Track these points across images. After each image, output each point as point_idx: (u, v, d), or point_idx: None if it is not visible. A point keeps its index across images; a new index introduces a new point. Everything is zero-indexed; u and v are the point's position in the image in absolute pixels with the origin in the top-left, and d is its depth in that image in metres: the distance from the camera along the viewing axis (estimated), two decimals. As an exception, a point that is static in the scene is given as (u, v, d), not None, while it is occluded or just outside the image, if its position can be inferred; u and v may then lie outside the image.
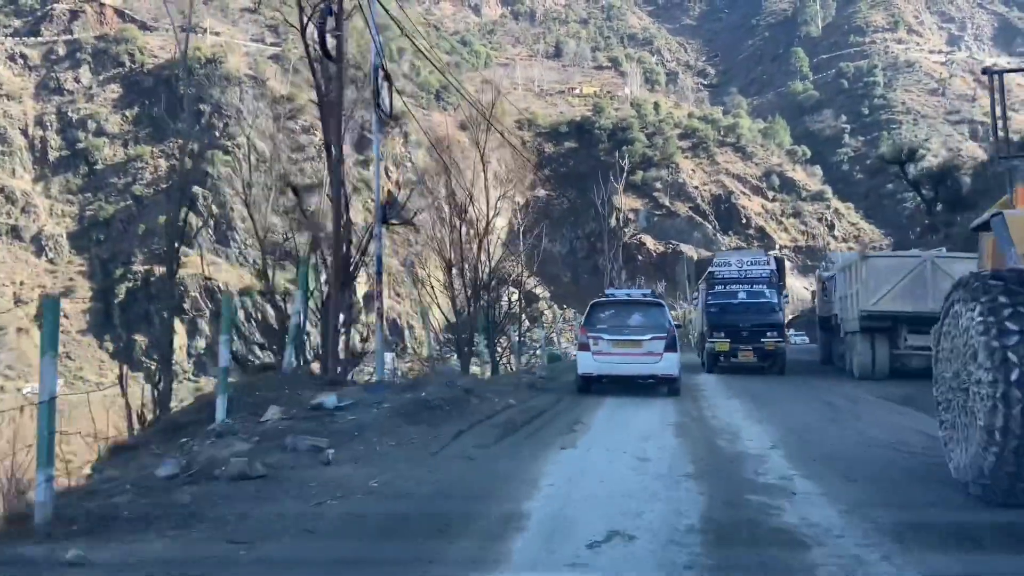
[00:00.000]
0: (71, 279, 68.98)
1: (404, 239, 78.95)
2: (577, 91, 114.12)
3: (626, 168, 31.94)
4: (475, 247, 22.68)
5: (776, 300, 20.60)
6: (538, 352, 29.76)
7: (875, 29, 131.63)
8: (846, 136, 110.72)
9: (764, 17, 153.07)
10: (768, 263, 21.39)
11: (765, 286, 20.48)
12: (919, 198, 37.31)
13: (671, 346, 13.25)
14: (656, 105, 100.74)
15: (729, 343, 19.86)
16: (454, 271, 22.32)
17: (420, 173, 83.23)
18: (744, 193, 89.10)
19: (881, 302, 16.85)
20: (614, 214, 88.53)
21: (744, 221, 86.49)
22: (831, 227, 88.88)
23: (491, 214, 24.97)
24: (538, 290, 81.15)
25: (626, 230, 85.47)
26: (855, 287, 18.04)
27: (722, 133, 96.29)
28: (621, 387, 13.83)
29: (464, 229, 24.47)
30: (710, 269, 22.24)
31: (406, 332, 71.87)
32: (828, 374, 20.53)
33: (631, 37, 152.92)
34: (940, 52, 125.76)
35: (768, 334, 19.67)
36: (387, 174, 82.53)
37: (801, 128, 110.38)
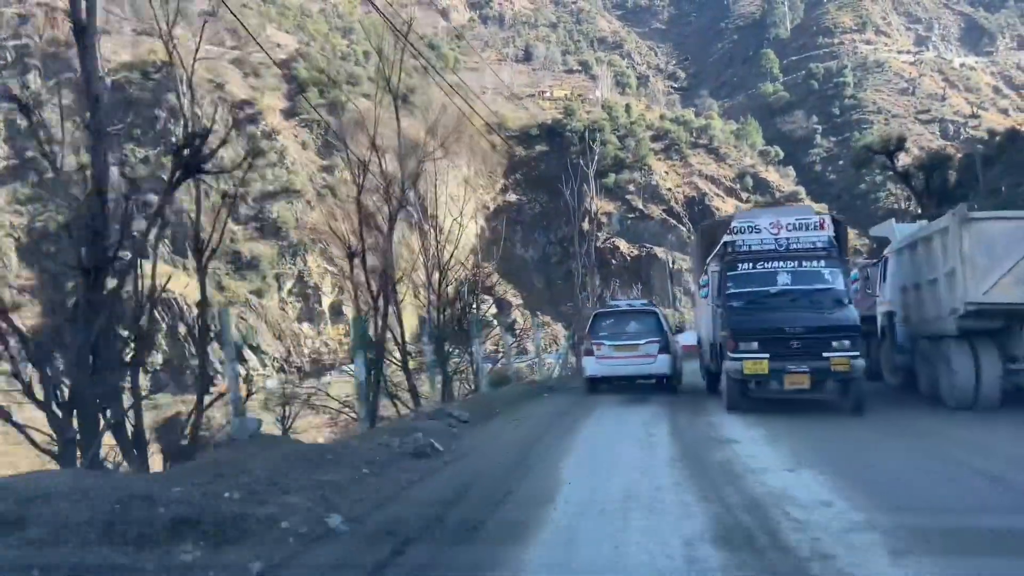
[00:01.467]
0: (21, 293, 65.62)
1: (373, 245, 76.32)
2: (548, 94, 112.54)
3: (595, 161, 27.99)
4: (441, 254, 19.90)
5: (843, 285, 12.58)
6: (499, 363, 23.69)
7: (843, 30, 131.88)
8: (818, 136, 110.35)
9: (732, 20, 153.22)
10: (822, 225, 13.03)
11: (823, 262, 12.52)
12: (908, 190, 35.92)
13: (664, 348, 15.60)
14: (627, 107, 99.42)
15: (768, 361, 11.65)
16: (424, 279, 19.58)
17: (388, 179, 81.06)
18: (718, 195, 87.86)
19: (995, 290, 11.11)
20: (586, 217, 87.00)
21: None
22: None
23: (462, 218, 22.38)
24: (510, 296, 79.16)
25: (599, 234, 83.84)
26: (945, 268, 12.00)
27: (694, 135, 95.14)
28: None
29: (433, 235, 21.96)
30: (726, 239, 13.16)
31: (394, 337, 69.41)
32: (895, 400, 13.90)
33: (601, 41, 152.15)
34: (908, 52, 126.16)
35: (835, 344, 11.57)
36: (355, 180, 79.96)
37: (773, 130, 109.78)
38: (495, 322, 75.23)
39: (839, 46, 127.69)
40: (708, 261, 14.62)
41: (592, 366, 15.86)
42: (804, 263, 12.59)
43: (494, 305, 77.90)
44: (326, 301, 66.49)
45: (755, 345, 11.80)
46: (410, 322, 22.59)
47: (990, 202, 29.33)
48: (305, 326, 65.06)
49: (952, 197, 28.41)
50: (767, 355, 11.69)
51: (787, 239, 12.86)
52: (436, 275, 18.96)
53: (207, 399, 8.71)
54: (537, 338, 21.07)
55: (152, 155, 66.47)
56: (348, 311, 69.33)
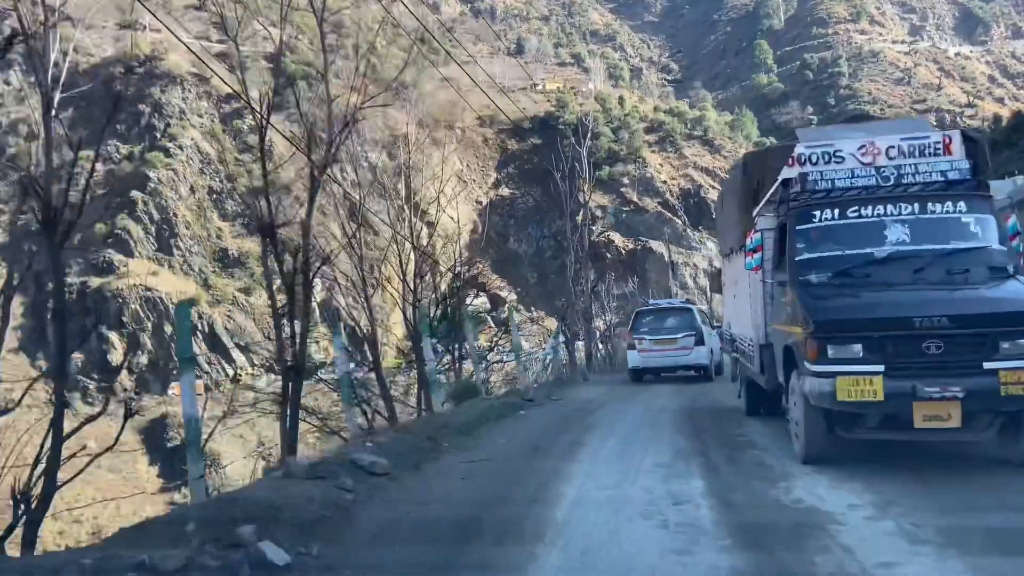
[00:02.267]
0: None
1: (362, 239, 75.07)
2: (540, 87, 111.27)
3: (587, 137, 26.51)
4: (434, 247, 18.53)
5: (999, 242, 7.42)
6: (486, 366, 19.54)
7: (837, 20, 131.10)
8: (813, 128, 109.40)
9: (726, 12, 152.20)
10: (947, 146, 8.08)
11: (961, 205, 7.44)
12: None
13: (700, 341, 16.73)
14: (621, 99, 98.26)
15: (885, 377, 6.42)
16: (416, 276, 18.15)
17: (377, 173, 79.75)
18: (713, 187, 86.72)
19: None
20: (581, 211, 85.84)
21: (714, 215, 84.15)
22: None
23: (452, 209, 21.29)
24: (504, 292, 78.00)
25: (594, 227, 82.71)
26: None
27: (689, 126, 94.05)
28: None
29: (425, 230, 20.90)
30: (786, 175, 8.31)
31: (365, 344, 68.11)
32: None
33: (593, 34, 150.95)
34: (903, 42, 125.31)
35: (1005, 346, 6.31)
36: (343, 174, 78.69)
37: (768, 121, 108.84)
38: (488, 318, 74.20)
39: (833, 36, 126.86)
40: (756, 212, 9.29)
41: (635, 359, 17.46)
42: (929, 207, 7.40)
43: (487, 300, 76.89)
44: (316, 297, 65.25)
45: (858, 349, 6.58)
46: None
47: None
48: (296, 324, 63.83)
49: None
50: (881, 367, 6.45)
51: (894, 169, 7.65)
52: (413, 264, 17.28)
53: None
54: (516, 336, 18.36)
55: (137, 151, 65.02)
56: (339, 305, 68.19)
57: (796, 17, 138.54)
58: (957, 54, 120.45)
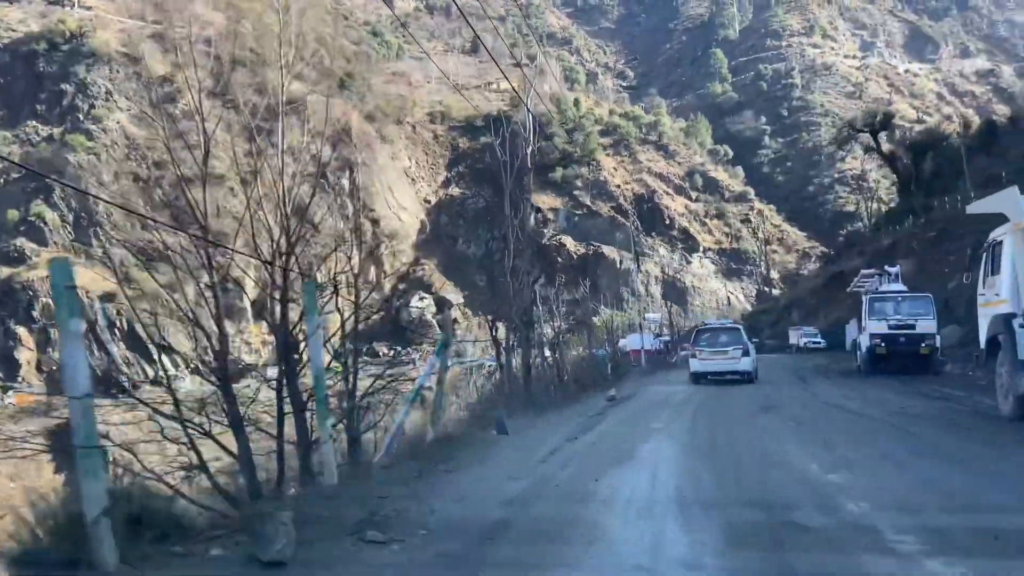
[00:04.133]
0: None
1: (300, 236, 71.42)
2: (494, 86, 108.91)
3: (532, 119, 23.44)
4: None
5: None
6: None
7: (791, 33, 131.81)
8: (766, 137, 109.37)
9: (681, 21, 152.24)
10: None
11: None
12: (895, 174, 33.28)
13: (746, 353, 20.76)
14: (576, 101, 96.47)
15: None
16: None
17: (321, 166, 76.34)
18: (667, 192, 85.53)
19: None
20: (532, 214, 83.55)
21: (668, 222, 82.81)
22: (755, 228, 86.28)
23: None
24: (451, 296, 75.19)
25: (545, 230, 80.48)
26: None
27: (644, 131, 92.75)
28: None
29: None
30: None
31: (303, 343, 64.48)
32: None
33: (550, 36, 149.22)
34: (855, 57, 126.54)
35: None
36: (283, 166, 74.77)
37: (722, 130, 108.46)
38: (436, 324, 71.20)
39: (787, 48, 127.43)
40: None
41: (696, 365, 21.49)
42: None
43: (433, 303, 73.96)
44: (248, 297, 61.52)
45: None
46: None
47: (988, 192, 26.87)
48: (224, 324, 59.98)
49: (939, 187, 25.77)
50: None
51: None
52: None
53: None
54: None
55: (57, 133, 60.49)
56: (271, 304, 64.41)
57: (751, 28, 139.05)
58: (907, 71, 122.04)
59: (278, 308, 8.54)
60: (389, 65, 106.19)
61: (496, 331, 19.40)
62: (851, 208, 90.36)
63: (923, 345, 20.22)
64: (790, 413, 12.73)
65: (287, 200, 10.76)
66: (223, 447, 7.32)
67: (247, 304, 64.51)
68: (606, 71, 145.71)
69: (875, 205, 67.96)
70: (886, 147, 40.09)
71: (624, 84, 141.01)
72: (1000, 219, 11.08)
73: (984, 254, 12.32)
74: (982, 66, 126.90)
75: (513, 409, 15.62)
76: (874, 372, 20.80)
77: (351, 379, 8.93)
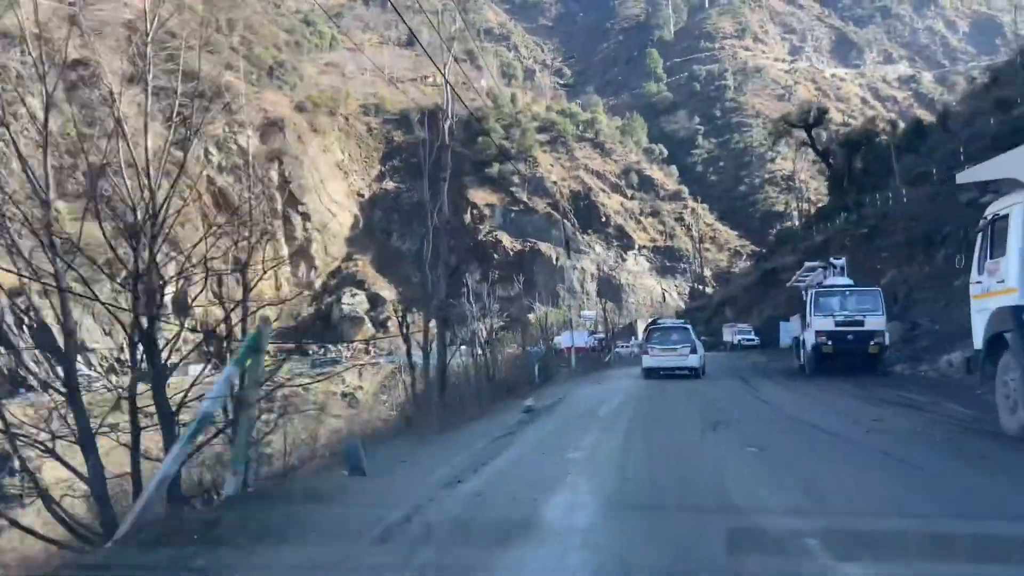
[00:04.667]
0: None
1: (226, 230, 68.82)
2: (430, 80, 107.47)
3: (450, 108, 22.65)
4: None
5: None
6: None
7: (724, 36, 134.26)
8: (700, 138, 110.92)
9: (618, 21, 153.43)
10: None
11: None
12: (827, 169, 33.58)
13: (694, 351, 21.57)
14: (513, 97, 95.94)
15: None
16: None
17: (248, 158, 73.46)
18: (603, 190, 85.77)
19: None
20: (468, 209, 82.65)
21: (604, 219, 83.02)
22: (688, 226, 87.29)
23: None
24: (384, 292, 73.68)
25: (481, 227, 79.75)
26: None
27: (580, 128, 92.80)
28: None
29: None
30: None
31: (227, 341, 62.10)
32: None
33: (488, 32, 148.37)
34: (784, 60, 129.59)
35: None
36: (207, 156, 72.29)
37: (657, 129, 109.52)
38: (365, 319, 69.59)
39: (720, 50, 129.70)
40: None
41: (648, 361, 22.26)
42: None
43: (366, 299, 72.32)
44: (169, 290, 58.93)
45: None
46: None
47: (922, 190, 27.39)
48: (143, 320, 57.28)
49: (869, 184, 25.92)
50: None
51: None
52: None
53: None
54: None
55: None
56: (193, 301, 61.80)
57: (685, 30, 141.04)
58: (833, 75, 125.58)
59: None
60: (323, 56, 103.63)
61: (407, 327, 18.49)
62: (781, 208, 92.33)
63: (872, 343, 19.10)
64: (747, 431, 10.29)
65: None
66: (70, 468, 6.23)
67: (167, 299, 61.74)
68: (543, 68, 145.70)
69: (804, 205, 69.40)
70: (820, 143, 40.71)
71: (561, 82, 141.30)
72: (972, 216, 10.19)
73: (980, 234, 10.13)
74: (904, 72, 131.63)
75: (418, 422, 14.57)
76: (819, 372, 19.63)
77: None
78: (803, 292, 24.03)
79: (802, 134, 44.72)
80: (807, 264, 24.58)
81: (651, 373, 22.08)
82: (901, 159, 33.96)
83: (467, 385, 19.75)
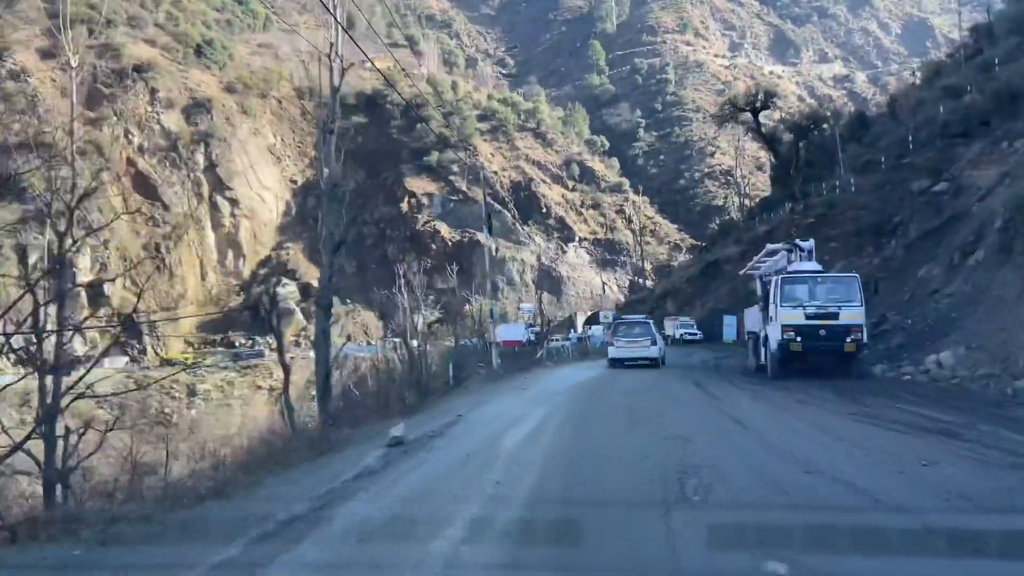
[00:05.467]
0: None
1: (148, 216, 65.56)
2: (368, 64, 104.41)
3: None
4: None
5: None
6: None
7: (665, 30, 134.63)
8: (641, 131, 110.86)
9: (561, 13, 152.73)
10: None
11: None
12: (772, 156, 32.89)
13: (654, 343, 23.67)
14: (454, 84, 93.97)
15: None
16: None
17: (172, 139, 69.89)
18: (544, 180, 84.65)
19: None
20: (406, 198, 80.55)
21: (544, 210, 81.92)
22: (629, 219, 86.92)
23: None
24: (317, 282, 71.08)
25: (419, 216, 77.76)
26: None
27: (522, 118, 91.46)
28: None
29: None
30: None
31: (145, 332, 58.91)
32: None
33: (429, 18, 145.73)
34: (724, 56, 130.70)
35: None
36: (127, 137, 68.44)
37: (599, 121, 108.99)
38: (296, 310, 66.93)
39: (661, 44, 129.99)
40: None
41: (614, 352, 23.70)
42: None
43: (297, 289, 69.51)
44: (82, 279, 55.30)
45: None
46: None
47: (869, 179, 26.85)
48: (53, 309, 53.64)
49: (814, 175, 25.21)
50: None
51: None
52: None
53: None
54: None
55: None
56: (109, 289, 58.27)
57: (628, 23, 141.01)
58: (771, 72, 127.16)
59: None
60: (255, 36, 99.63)
61: (276, 321, 16.64)
62: (720, 202, 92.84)
63: (849, 340, 16.44)
64: (741, 497, 6.34)
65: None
66: None
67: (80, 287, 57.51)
68: (486, 58, 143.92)
69: (745, 201, 69.53)
70: (766, 129, 40.12)
71: (504, 72, 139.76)
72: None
73: None
74: (839, 71, 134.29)
75: (294, 446, 10.97)
76: (784, 374, 17.11)
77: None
78: (759, 280, 21.91)
79: (747, 121, 44.04)
80: (768, 247, 21.53)
81: (617, 363, 23.48)
82: (845, 149, 33.68)
83: (390, 384, 18.15)
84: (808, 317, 16.66)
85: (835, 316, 16.58)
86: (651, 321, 26.62)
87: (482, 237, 77.23)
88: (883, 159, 28.10)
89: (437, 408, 15.56)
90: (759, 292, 21.55)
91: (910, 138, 27.35)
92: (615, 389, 16.63)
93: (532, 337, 41.29)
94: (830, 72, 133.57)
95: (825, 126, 35.07)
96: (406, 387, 18.08)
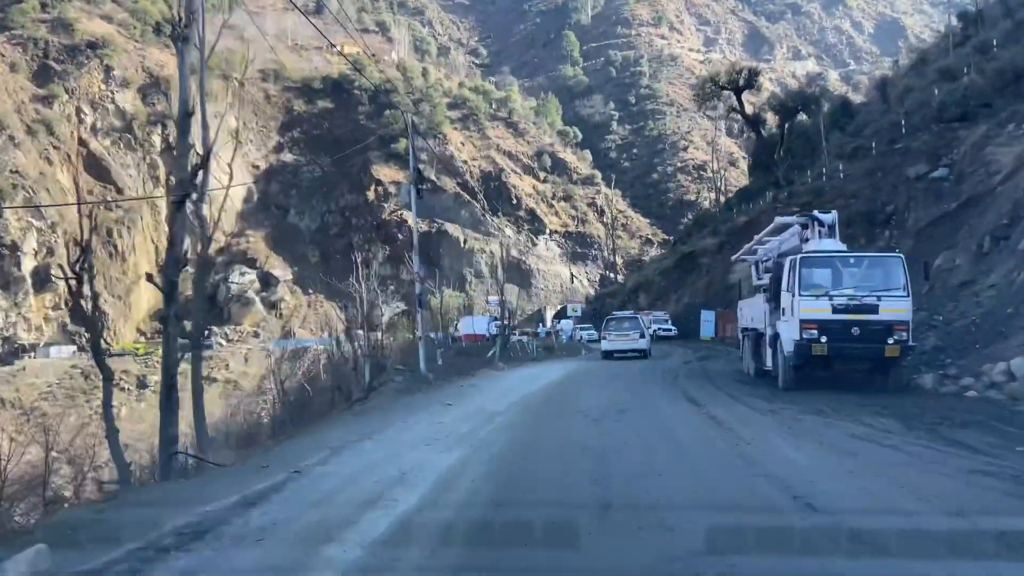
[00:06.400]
0: None
1: (100, 198, 62.29)
2: (337, 49, 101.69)
3: None
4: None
5: None
6: None
7: (640, 23, 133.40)
8: (614, 123, 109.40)
9: (535, 3, 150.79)
10: None
11: None
12: (755, 138, 31.31)
13: (642, 336, 26.39)
14: (425, 71, 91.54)
15: None
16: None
17: (128, 119, 66.66)
18: (515, 171, 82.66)
19: None
20: (372, 186, 78.05)
21: (515, 201, 79.96)
22: (601, 212, 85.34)
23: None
24: (278, 272, 68.46)
25: (386, 205, 75.32)
26: None
27: (494, 107, 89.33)
28: None
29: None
30: None
31: (103, 321, 55.80)
32: None
33: (401, 5, 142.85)
34: (699, 51, 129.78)
35: None
36: (80, 116, 65.07)
37: (571, 113, 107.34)
38: (255, 299, 64.26)
39: (636, 37, 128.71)
40: None
41: (606, 344, 26.43)
42: None
43: (256, 278, 66.79)
44: (28, 264, 52.25)
45: None
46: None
47: (859, 166, 25.38)
48: (-6, 295, 50.67)
49: (796, 163, 23.65)
50: None
51: None
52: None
53: None
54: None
55: None
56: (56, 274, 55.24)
57: (602, 15, 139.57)
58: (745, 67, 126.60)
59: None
60: (219, 16, 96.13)
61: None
62: (692, 197, 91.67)
63: (891, 341, 12.69)
64: None
65: None
66: None
67: (26, 273, 54.20)
68: (459, 47, 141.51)
69: (720, 193, 68.21)
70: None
71: (477, 62, 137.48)
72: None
73: None
74: (812, 69, 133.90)
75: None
76: (798, 383, 13.59)
77: None
78: (758, 266, 18.24)
79: (727, 105, 42.13)
80: (778, 220, 17.34)
81: (609, 355, 26.04)
82: (828, 138, 32.23)
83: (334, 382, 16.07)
84: (836, 310, 12.95)
85: (873, 309, 12.83)
86: (639, 317, 29.68)
87: (452, 228, 75.14)
88: (874, 145, 26.64)
89: (304, 441, 10.57)
90: (756, 280, 18.04)
91: (903, 123, 25.90)
92: (579, 407, 12.32)
93: (494, 331, 38.86)
94: (803, 69, 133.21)
95: (813, 107, 33.43)
96: (331, 391, 15.78)
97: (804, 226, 15.60)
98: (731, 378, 17.19)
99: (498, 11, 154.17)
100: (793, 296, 13.43)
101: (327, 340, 39.59)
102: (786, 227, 16.68)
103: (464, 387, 17.08)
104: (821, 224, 14.98)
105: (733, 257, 23.04)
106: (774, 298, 14.66)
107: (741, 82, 34.79)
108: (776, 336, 14.38)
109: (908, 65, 38.46)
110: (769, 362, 15.04)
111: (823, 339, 12.93)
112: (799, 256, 14.00)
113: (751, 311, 17.78)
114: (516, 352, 30.52)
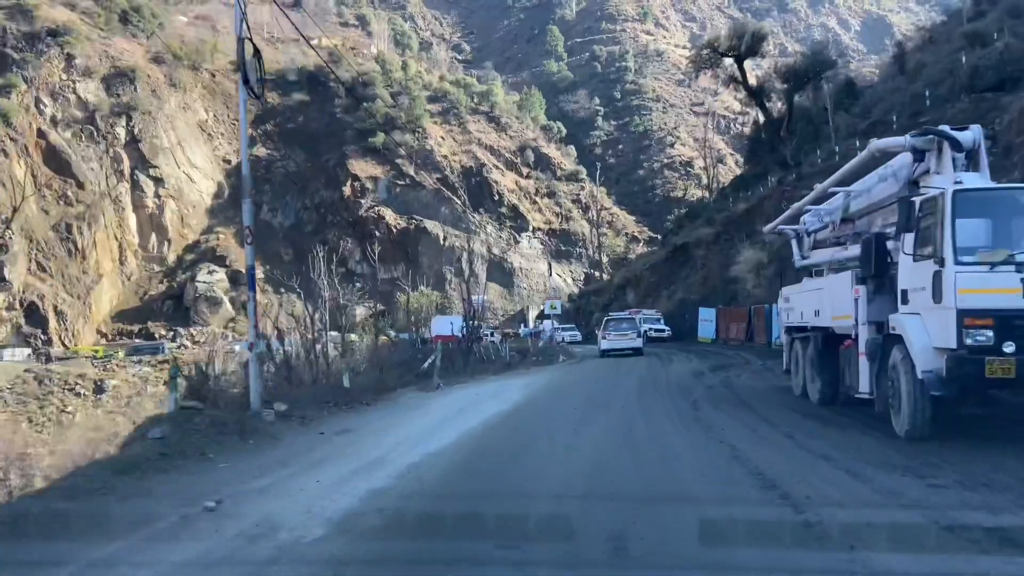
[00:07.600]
0: None
1: (60, 193, 59.49)
2: (315, 41, 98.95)
3: None
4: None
5: None
6: None
7: (626, 18, 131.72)
8: (599, 119, 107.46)
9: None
10: None
11: None
12: (759, 114, 29.11)
13: (638, 335, 28.65)
14: (404, 64, 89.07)
15: None
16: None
17: (90, 110, 63.75)
18: (497, 167, 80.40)
19: None
20: (349, 181, 75.56)
21: (497, 197, 77.68)
22: (585, 208, 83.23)
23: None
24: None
25: (363, 201, 72.85)
26: None
27: (475, 100, 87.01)
28: None
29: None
30: None
31: (52, 321, 53.16)
32: None
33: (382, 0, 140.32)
34: (685, 47, 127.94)
35: None
36: (39, 107, 62.18)
37: (555, 109, 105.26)
38: (224, 300, 61.56)
39: (621, 32, 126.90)
40: None
41: (605, 344, 28.29)
42: None
43: (226, 277, 64.12)
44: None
45: None
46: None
47: (854, 150, 23.31)
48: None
49: (800, 145, 21.50)
50: None
51: None
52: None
53: None
54: None
55: None
56: (10, 273, 52.40)
57: (587, 10, 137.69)
58: (731, 64, 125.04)
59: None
60: (193, 7, 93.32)
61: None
62: (679, 194, 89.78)
63: None
64: None
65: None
66: None
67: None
68: (441, 42, 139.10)
69: (712, 185, 66.19)
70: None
71: (460, 57, 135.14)
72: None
73: None
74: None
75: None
76: (934, 429, 7.85)
77: None
78: (797, 240, 13.65)
79: (726, 75, 38.54)
80: (874, 145, 10.02)
81: (607, 353, 27.50)
82: (832, 120, 30.20)
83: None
84: None
85: None
86: (635, 318, 31.96)
87: (431, 225, 72.71)
88: (895, 119, 24.50)
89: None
90: (800, 259, 13.56)
91: (926, 94, 23.73)
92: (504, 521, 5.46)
93: (465, 331, 35.83)
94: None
95: (828, 74, 30.46)
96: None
97: (919, 155, 8.91)
98: (781, 405, 11.66)
99: (481, 6, 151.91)
100: (942, 265, 7.38)
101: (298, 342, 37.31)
102: (885, 157, 9.89)
103: (345, 432, 10.07)
104: (957, 147, 8.51)
105: (766, 228, 16.45)
106: (878, 274, 8.82)
107: (743, 48, 30.98)
108: (888, 340, 8.54)
109: (920, 41, 36.24)
110: (865, 384, 9.12)
111: (1007, 347, 7.05)
112: (951, 190, 7.69)
113: (810, 301, 11.84)
114: (487, 356, 25.69)
